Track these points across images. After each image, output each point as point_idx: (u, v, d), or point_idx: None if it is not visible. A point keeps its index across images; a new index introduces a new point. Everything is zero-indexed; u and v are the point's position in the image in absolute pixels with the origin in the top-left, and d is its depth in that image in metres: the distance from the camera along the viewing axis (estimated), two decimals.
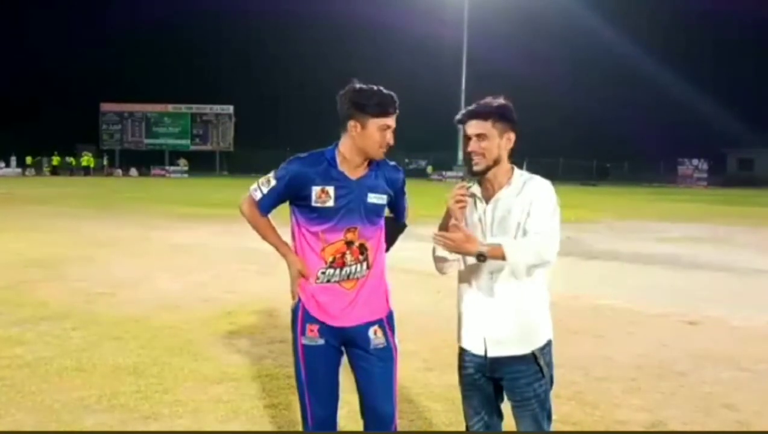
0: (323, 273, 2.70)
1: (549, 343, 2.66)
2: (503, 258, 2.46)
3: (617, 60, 63.11)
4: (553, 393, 2.73)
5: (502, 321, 2.59)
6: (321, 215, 2.68)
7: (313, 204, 2.68)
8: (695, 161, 53.35)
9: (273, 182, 2.74)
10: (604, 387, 4.70)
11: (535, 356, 2.60)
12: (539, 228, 2.50)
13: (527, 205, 2.56)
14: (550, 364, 2.65)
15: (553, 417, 2.70)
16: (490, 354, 2.62)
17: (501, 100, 2.66)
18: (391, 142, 2.68)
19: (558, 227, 2.57)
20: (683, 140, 55.95)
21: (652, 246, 13.10)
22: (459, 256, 2.65)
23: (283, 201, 2.77)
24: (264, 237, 2.83)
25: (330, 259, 2.69)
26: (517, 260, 2.48)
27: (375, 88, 2.67)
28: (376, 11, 63.73)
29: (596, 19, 59.43)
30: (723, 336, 6.18)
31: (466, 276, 2.69)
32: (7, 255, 10.25)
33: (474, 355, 2.67)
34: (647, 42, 60.08)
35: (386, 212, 2.86)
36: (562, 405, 4.27)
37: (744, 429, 4.06)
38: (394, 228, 2.91)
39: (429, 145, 55.70)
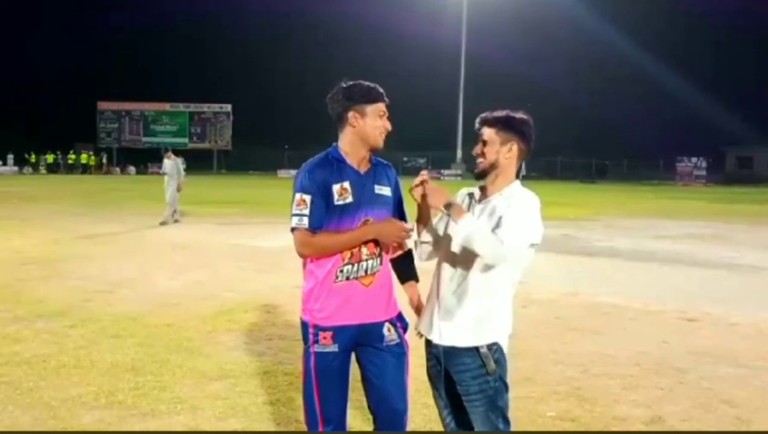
0: (341, 271, 2.69)
1: (497, 345, 2.64)
2: (455, 221, 2.53)
3: (616, 58, 63.20)
4: (510, 397, 2.69)
5: (452, 307, 2.65)
6: (342, 213, 2.68)
7: (336, 202, 2.68)
8: (694, 159, 53.33)
9: (306, 198, 2.65)
10: (603, 383, 4.69)
11: (478, 350, 2.61)
12: (508, 238, 2.47)
13: (505, 211, 2.60)
14: (499, 364, 2.62)
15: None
16: (435, 340, 2.69)
17: (515, 114, 2.73)
18: (389, 126, 2.76)
19: (524, 246, 2.54)
20: (682, 138, 56.00)
21: (651, 243, 13.10)
22: (430, 240, 2.78)
23: (324, 209, 2.66)
24: (341, 245, 2.66)
25: (348, 256, 2.69)
26: (461, 233, 2.50)
27: (362, 81, 2.77)
28: (376, 11, 63.75)
29: (595, 17, 59.51)
30: (722, 333, 6.19)
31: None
32: (4, 253, 10.24)
33: (432, 346, 2.73)
34: (646, 40, 60.14)
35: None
36: (560, 402, 4.28)
37: (743, 425, 4.05)
38: (406, 258, 2.90)
39: (427, 143, 55.73)
